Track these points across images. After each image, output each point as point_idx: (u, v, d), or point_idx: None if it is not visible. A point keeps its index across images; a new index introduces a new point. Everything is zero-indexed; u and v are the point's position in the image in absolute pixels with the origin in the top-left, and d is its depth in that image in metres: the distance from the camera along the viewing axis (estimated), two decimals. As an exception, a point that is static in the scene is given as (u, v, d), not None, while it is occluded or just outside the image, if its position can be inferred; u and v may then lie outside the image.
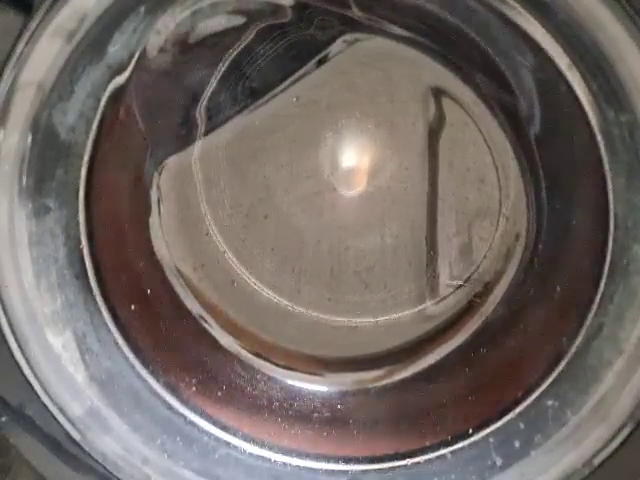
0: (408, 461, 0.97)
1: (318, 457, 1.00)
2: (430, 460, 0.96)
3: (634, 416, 0.84)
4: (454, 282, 1.16)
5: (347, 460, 0.99)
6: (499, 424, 0.93)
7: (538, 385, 0.91)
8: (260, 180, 1.16)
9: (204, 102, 1.08)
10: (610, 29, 0.76)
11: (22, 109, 0.84)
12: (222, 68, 1.05)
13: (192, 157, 1.14)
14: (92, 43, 0.85)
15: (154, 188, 1.09)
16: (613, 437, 0.85)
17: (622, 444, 0.85)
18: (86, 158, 0.91)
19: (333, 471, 0.99)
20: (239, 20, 0.99)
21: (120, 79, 0.91)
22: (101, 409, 0.93)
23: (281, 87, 1.08)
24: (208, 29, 0.98)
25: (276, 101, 1.09)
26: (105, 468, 0.92)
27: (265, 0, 0.98)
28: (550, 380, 0.90)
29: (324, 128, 1.14)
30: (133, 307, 1.01)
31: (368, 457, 0.99)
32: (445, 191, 1.14)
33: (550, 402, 0.90)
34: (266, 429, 1.03)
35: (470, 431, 0.95)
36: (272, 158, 1.15)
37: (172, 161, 1.10)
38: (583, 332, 0.87)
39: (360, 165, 1.16)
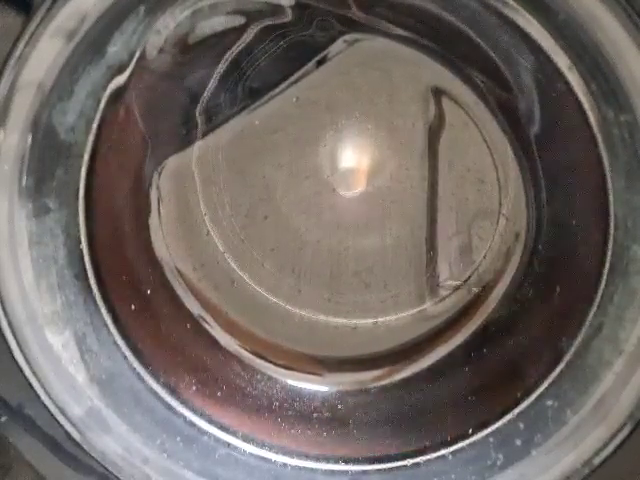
0: (408, 461, 0.97)
1: (318, 457, 1.00)
2: (430, 460, 0.96)
3: (634, 416, 0.84)
4: (454, 282, 1.16)
5: (347, 460, 0.99)
6: (499, 424, 0.93)
7: (538, 385, 0.91)
8: (260, 180, 1.16)
9: (204, 102, 1.08)
10: (610, 29, 0.76)
11: (22, 109, 0.84)
12: (222, 68, 1.05)
13: (192, 157, 1.14)
14: (92, 43, 0.85)
15: (154, 188, 1.09)
16: (613, 437, 0.85)
17: (622, 444, 0.85)
18: (86, 158, 0.91)
19: (333, 471, 0.99)
20: (239, 20, 0.99)
21: (120, 79, 0.91)
22: (101, 409, 0.93)
23: (281, 87, 1.08)
24: (208, 29, 0.98)
25: (276, 101, 1.09)
26: (105, 468, 0.92)
27: (265, 0, 0.98)
28: (550, 380, 0.90)
29: (324, 128, 1.14)
30: (133, 307, 1.01)
31: (368, 457, 0.99)
32: (445, 191, 1.14)
33: (550, 402, 0.90)
34: (266, 429, 1.03)
35: (470, 431, 0.95)
36: (272, 158, 1.15)
37: (172, 161, 1.10)
38: (583, 332, 0.87)
39: (360, 165, 1.16)
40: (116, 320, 0.96)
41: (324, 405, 1.08)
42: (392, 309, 1.18)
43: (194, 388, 1.02)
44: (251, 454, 0.99)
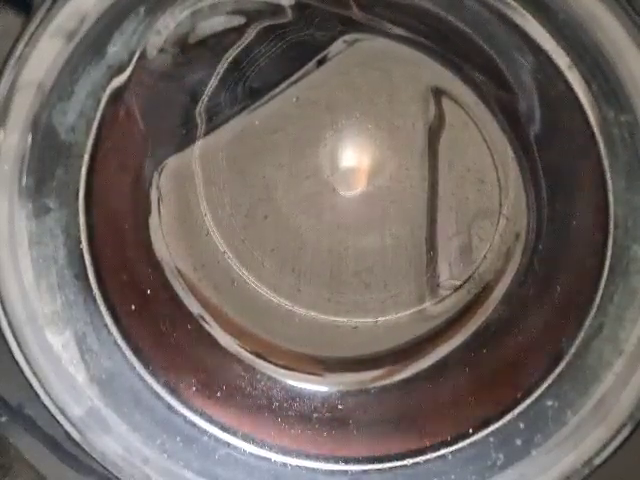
0: (408, 461, 0.97)
1: (318, 457, 1.00)
2: (430, 460, 0.96)
3: (634, 416, 0.84)
4: (454, 282, 1.16)
5: (347, 460, 0.99)
6: (499, 424, 0.93)
7: (538, 385, 0.91)
8: (260, 180, 1.16)
9: (204, 102, 1.08)
10: (610, 29, 0.76)
11: (22, 109, 0.84)
12: (222, 68, 1.05)
13: (192, 157, 1.14)
14: (92, 43, 0.85)
15: (154, 188, 1.09)
16: (613, 437, 0.85)
17: (622, 444, 0.85)
18: (86, 158, 0.91)
19: (333, 471, 0.99)
20: (239, 20, 0.99)
21: (120, 79, 0.91)
22: (101, 409, 0.93)
23: (281, 87, 1.08)
24: (208, 29, 0.98)
25: (276, 101, 1.09)
26: (105, 468, 0.92)
27: (265, 0, 0.98)
28: (550, 380, 0.90)
29: (324, 128, 1.14)
30: (133, 307, 1.01)
31: (368, 457, 0.99)
32: (445, 191, 1.14)
33: (550, 402, 0.90)
34: (266, 429, 1.03)
35: (470, 431, 0.95)
36: (272, 158, 1.15)
37: (172, 161, 1.10)
38: (583, 332, 0.87)
39: (360, 165, 1.16)
40: (116, 320, 0.96)
41: (324, 405, 1.08)
42: (392, 309, 1.18)
43: (194, 388, 1.03)
44: (251, 454, 0.99)
